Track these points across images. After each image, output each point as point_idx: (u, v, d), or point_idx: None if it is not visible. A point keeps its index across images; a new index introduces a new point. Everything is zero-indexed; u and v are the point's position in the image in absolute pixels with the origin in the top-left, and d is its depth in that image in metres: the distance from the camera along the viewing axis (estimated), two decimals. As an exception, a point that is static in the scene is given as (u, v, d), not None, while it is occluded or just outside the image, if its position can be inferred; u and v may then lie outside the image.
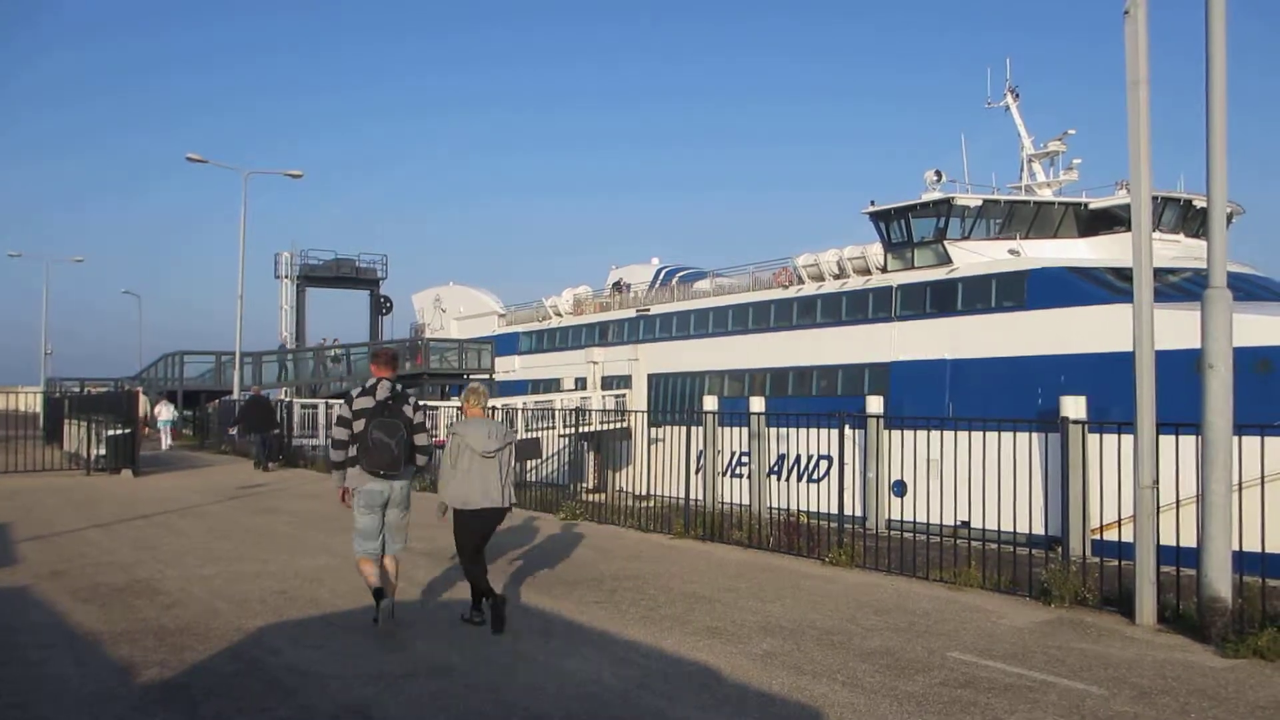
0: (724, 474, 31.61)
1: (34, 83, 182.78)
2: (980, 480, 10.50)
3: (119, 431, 21.62)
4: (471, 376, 45.49)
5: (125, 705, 5.81)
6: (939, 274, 33.25)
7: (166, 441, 33.13)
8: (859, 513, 25.28)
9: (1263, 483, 8.18)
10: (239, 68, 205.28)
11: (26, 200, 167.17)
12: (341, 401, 8.07)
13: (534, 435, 34.96)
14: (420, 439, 8.05)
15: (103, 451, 21.72)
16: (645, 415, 25.06)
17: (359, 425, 7.71)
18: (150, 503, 16.56)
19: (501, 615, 7.82)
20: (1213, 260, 7.90)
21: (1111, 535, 10.71)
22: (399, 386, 8.04)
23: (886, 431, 26.06)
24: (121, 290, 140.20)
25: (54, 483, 19.67)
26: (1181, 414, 8.44)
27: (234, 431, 29.14)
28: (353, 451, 7.75)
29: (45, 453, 23.75)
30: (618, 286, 51.73)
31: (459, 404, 9.70)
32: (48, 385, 49.77)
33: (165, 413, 34.04)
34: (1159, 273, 19.37)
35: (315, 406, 32.14)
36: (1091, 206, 32.99)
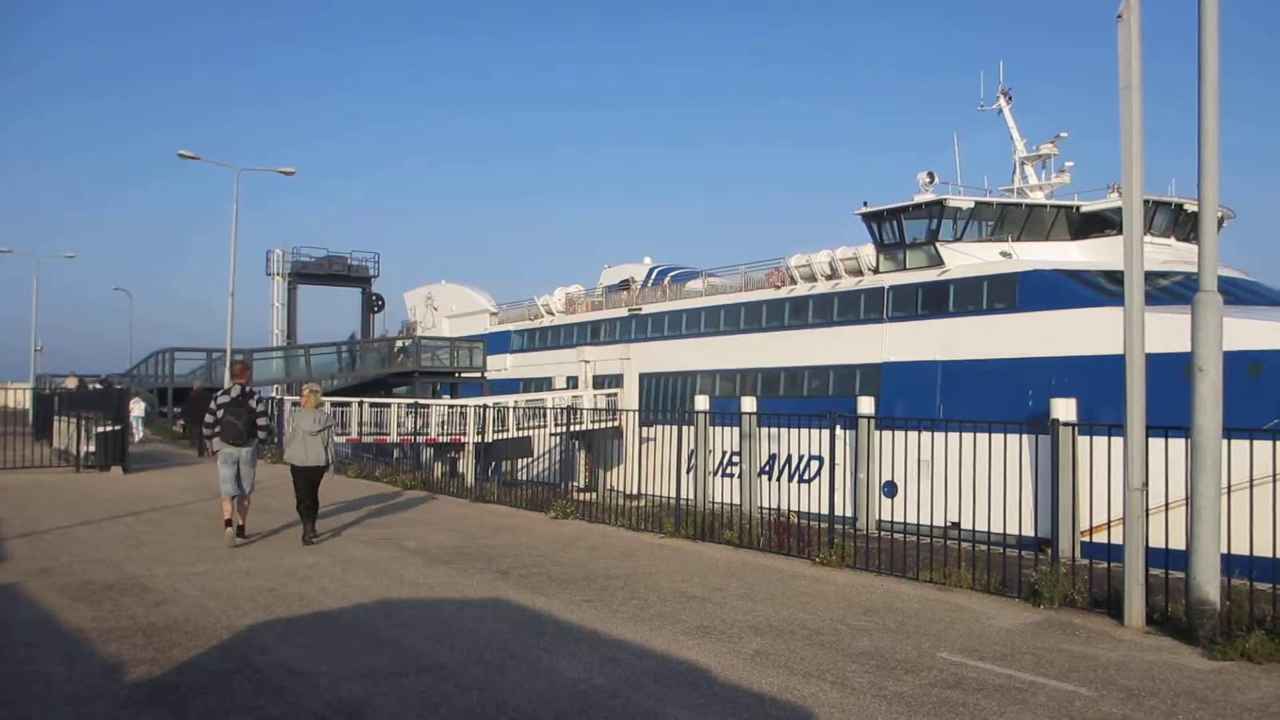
0: (715, 473, 31.68)
1: (28, 84, 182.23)
2: (971, 481, 10.52)
3: (108, 429, 21.54)
4: (463, 375, 45.42)
5: (113, 704, 5.78)
6: (931, 275, 33.32)
7: (138, 435, 33.20)
8: (849, 513, 25.34)
9: (1251, 486, 8.21)
10: (233, 69, 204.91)
11: (21, 200, 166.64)
12: (216, 395, 12.39)
13: (525, 434, 35.05)
14: (261, 421, 12.26)
15: (92, 448, 21.63)
16: (636, 414, 25.11)
17: (220, 413, 12.02)
18: (139, 500, 16.49)
19: (308, 537, 12.24)
20: (1203, 264, 7.93)
21: (1101, 537, 10.75)
22: (247, 388, 12.41)
23: (877, 432, 26.11)
24: (113, 287, 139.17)
25: (43, 479, 19.59)
26: (1171, 417, 8.47)
27: (181, 424, 30.38)
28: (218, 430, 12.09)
29: (34, 449, 23.65)
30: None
31: (298, 399, 13.96)
32: (37, 382, 49.53)
33: (136, 408, 34.11)
34: (1150, 276, 19.43)
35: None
36: (1083, 209, 33.11)
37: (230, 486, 12.00)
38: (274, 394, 37.45)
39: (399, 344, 46.28)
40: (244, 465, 12.10)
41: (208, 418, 12.20)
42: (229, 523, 12.06)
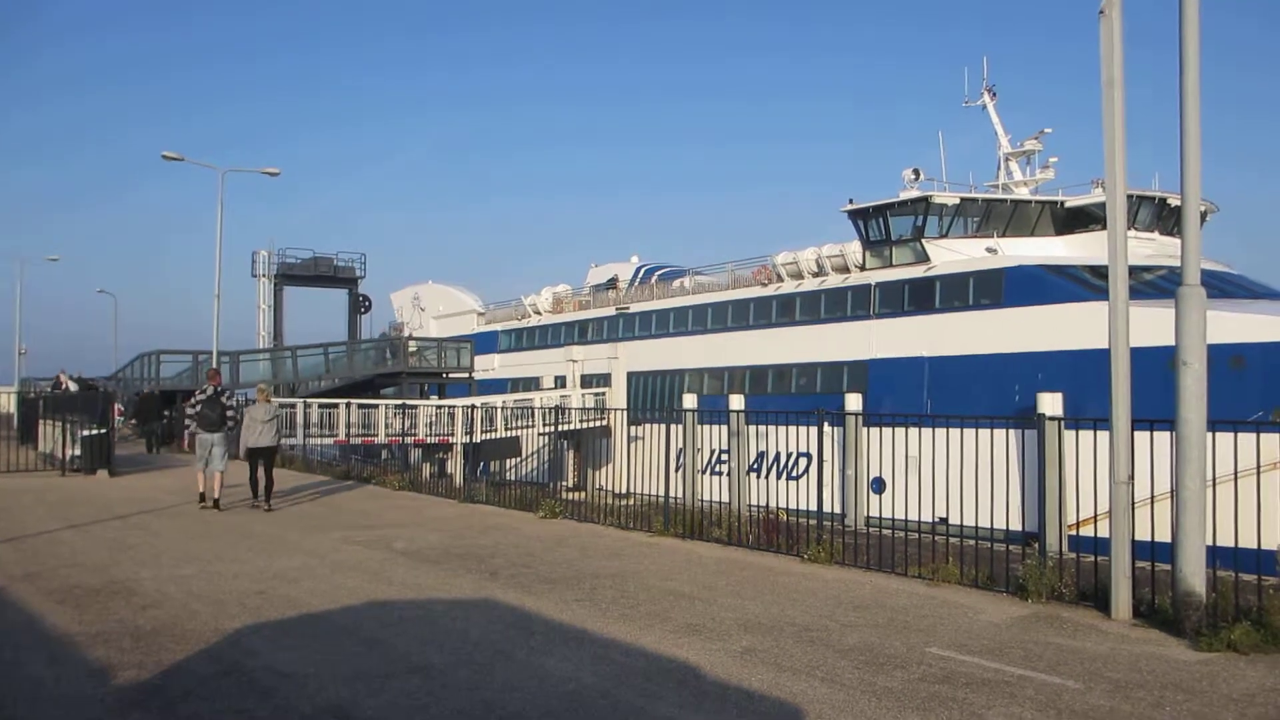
0: (704, 472, 31.71)
1: (11, 85, 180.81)
2: (958, 477, 10.56)
3: (94, 432, 21.42)
4: (450, 375, 45.33)
5: (101, 707, 5.75)
6: (917, 272, 33.42)
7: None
8: (838, 510, 25.37)
9: (1236, 478, 8.27)
10: (216, 68, 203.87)
11: (3, 202, 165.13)
12: (193, 396, 16.31)
13: (513, 434, 34.99)
14: (229, 413, 15.97)
15: (78, 452, 21.50)
16: (625, 413, 25.12)
17: (199, 408, 15.73)
18: (126, 503, 16.41)
19: (256, 504, 15.68)
20: (1187, 258, 7.97)
21: (1088, 531, 10.81)
22: (219, 388, 16.11)
23: (865, 429, 26.17)
24: (97, 289, 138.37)
25: (28, 483, 19.46)
26: (1156, 410, 8.51)
27: (133, 422, 32.83)
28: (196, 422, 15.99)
29: (19, 453, 23.50)
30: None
31: (255, 396, 17.43)
32: (22, 385, 49.20)
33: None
34: (1134, 270, 19.52)
35: (294, 406, 31.95)
36: (1068, 205, 33.27)
37: (204, 464, 15.72)
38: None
39: (413, 345, 46.09)
40: (216, 447, 15.65)
41: (189, 411, 16.04)
42: (202, 497, 15.62)
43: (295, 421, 30.95)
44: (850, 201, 36.02)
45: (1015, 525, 11.79)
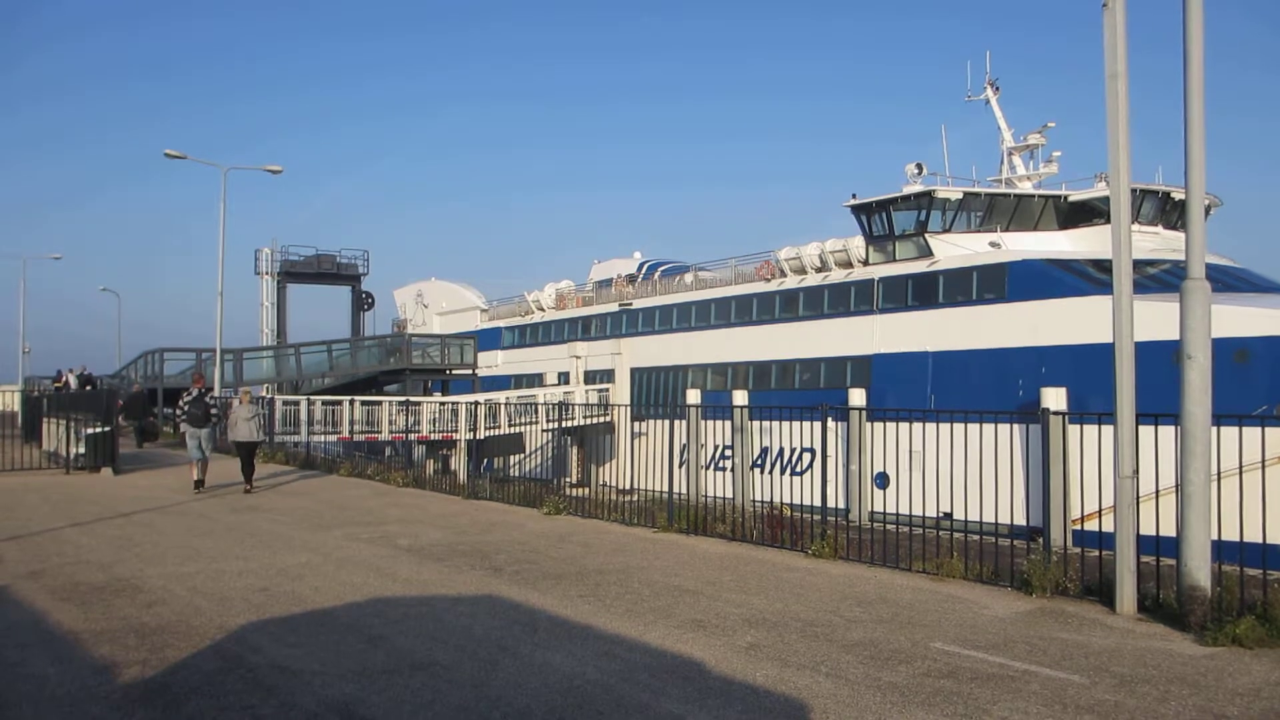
0: (707, 467, 31.73)
1: (13, 83, 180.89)
2: (962, 472, 10.55)
3: (98, 430, 21.44)
4: (454, 372, 45.39)
5: (105, 705, 5.76)
6: (920, 266, 33.38)
7: None
8: (842, 505, 25.41)
9: (1241, 472, 8.25)
10: (218, 66, 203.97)
11: (6, 200, 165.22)
12: (183, 395, 19.12)
13: (517, 430, 35.05)
14: (214, 411, 18.80)
15: (82, 450, 21.52)
16: (629, 409, 25.12)
17: (187, 407, 18.45)
18: (130, 501, 16.43)
19: (248, 488, 17.89)
20: (1191, 252, 7.95)
21: (1092, 525, 10.81)
22: (204, 390, 19.12)
23: (869, 424, 26.18)
24: (100, 288, 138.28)
25: (32, 481, 19.50)
26: (1161, 404, 8.50)
27: (122, 420, 32.56)
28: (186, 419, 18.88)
29: (24, 451, 23.53)
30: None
31: (237, 399, 19.95)
32: (26, 383, 49.29)
33: None
34: (1138, 264, 19.51)
35: (297, 403, 31.99)
36: (1071, 199, 33.22)
37: (196, 454, 18.16)
38: (264, 393, 37.60)
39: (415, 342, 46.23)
40: (204, 440, 18.25)
41: (181, 409, 19.16)
42: (197, 483, 17.98)
43: (299, 419, 30.99)
44: (853, 196, 35.97)
45: (1019, 520, 11.76)
